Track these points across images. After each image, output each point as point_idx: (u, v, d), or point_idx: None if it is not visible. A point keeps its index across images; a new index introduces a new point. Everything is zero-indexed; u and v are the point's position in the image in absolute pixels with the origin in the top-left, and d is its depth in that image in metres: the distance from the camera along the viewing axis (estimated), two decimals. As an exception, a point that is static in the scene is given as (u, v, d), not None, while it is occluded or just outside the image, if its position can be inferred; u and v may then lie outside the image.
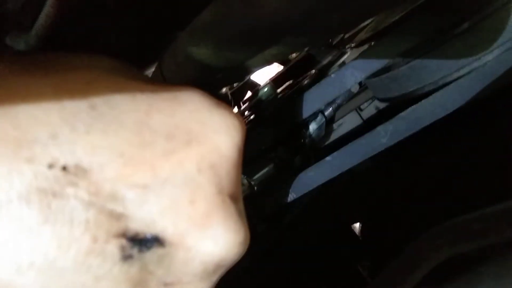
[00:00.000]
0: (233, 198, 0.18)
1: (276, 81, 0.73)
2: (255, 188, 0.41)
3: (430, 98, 0.37)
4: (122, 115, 0.16)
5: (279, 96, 0.49)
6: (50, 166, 0.14)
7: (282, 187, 0.43)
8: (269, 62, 0.30)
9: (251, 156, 0.43)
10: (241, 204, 0.20)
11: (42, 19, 0.28)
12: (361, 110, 0.63)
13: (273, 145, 0.44)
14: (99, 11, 0.29)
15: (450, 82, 0.36)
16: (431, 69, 0.37)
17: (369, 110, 0.63)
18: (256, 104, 0.49)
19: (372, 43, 0.43)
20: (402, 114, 0.38)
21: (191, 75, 0.28)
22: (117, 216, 0.15)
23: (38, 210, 0.14)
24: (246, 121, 0.48)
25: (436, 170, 0.49)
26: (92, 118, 0.16)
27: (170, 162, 0.17)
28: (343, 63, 0.68)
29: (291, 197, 0.44)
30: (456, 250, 0.18)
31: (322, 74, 0.66)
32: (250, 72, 0.32)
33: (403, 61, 0.39)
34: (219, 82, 0.32)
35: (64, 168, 0.15)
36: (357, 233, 0.62)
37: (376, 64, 0.38)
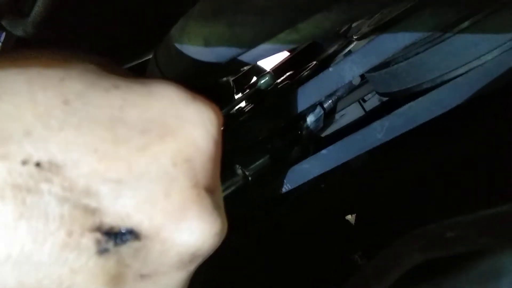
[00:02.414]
0: (209, 190, 0.19)
1: (279, 69, 0.73)
2: (250, 178, 0.41)
3: (427, 96, 0.36)
4: (96, 111, 0.16)
5: (279, 86, 0.49)
6: (24, 162, 0.15)
7: (277, 178, 0.44)
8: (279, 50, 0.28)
9: (247, 146, 0.43)
10: (218, 196, 0.20)
11: (38, 6, 0.29)
12: (364, 101, 0.63)
13: (270, 136, 0.44)
14: (96, 3, 0.29)
15: (449, 80, 0.36)
16: (430, 66, 0.37)
17: (372, 101, 0.62)
18: (255, 93, 0.49)
19: (374, 37, 0.43)
20: (399, 110, 0.38)
21: (185, 68, 0.28)
22: (91, 211, 0.16)
23: (13, 206, 0.14)
24: (245, 110, 0.48)
25: (431, 165, 0.49)
26: (65, 114, 0.16)
27: (145, 157, 0.17)
28: (349, 52, 0.67)
29: (286, 188, 0.45)
30: (428, 255, 0.18)
31: (327, 63, 0.66)
32: (245, 65, 0.32)
33: (402, 57, 0.39)
34: (215, 74, 0.32)
35: (38, 165, 0.15)
36: (351, 223, 0.62)
37: (375, 58, 0.37)
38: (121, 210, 0.16)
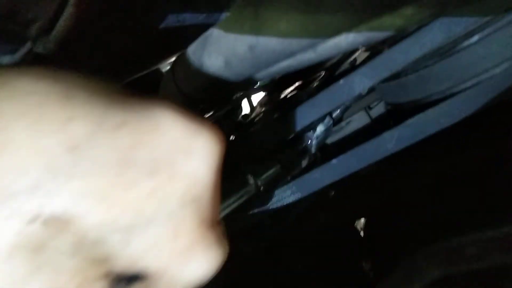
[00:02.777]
0: (213, 224, 0.19)
1: (285, 77, 0.73)
2: (261, 188, 0.42)
3: (437, 108, 0.37)
4: (105, 154, 0.16)
5: (288, 96, 0.50)
6: (31, 220, 0.14)
7: (288, 187, 0.45)
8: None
9: (258, 156, 0.44)
10: (220, 226, 0.20)
11: (60, 25, 0.29)
12: (370, 109, 0.64)
13: (280, 146, 0.45)
14: (115, 18, 0.29)
15: (457, 93, 0.37)
16: (439, 79, 0.38)
17: (378, 109, 0.63)
18: (265, 103, 0.49)
19: (383, 49, 0.43)
20: (409, 121, 0.39)
21: (203, 84, 0.29)
22: (102, 260, 0.16)
23: (23, 264, 0.14)
24: (255, 120, 0.49)
25: (440, 175, 0.49)
26: (73, 162, 0.15)
27: (154, 200, 0.17)
28: (355, 60, 0.68)
29: (297, 196, 0.46)
30: (449, 271, 0.19)
31: (333, 70, 0.67)
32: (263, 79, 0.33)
33: (411, 70, 0.39)
34: (231, 89, 0.33)
35: (46, 220, 0.14)
36: (360, 231, 0.63)
37: (385, 71, 0.38)
38: (131, 255, 0.16)
